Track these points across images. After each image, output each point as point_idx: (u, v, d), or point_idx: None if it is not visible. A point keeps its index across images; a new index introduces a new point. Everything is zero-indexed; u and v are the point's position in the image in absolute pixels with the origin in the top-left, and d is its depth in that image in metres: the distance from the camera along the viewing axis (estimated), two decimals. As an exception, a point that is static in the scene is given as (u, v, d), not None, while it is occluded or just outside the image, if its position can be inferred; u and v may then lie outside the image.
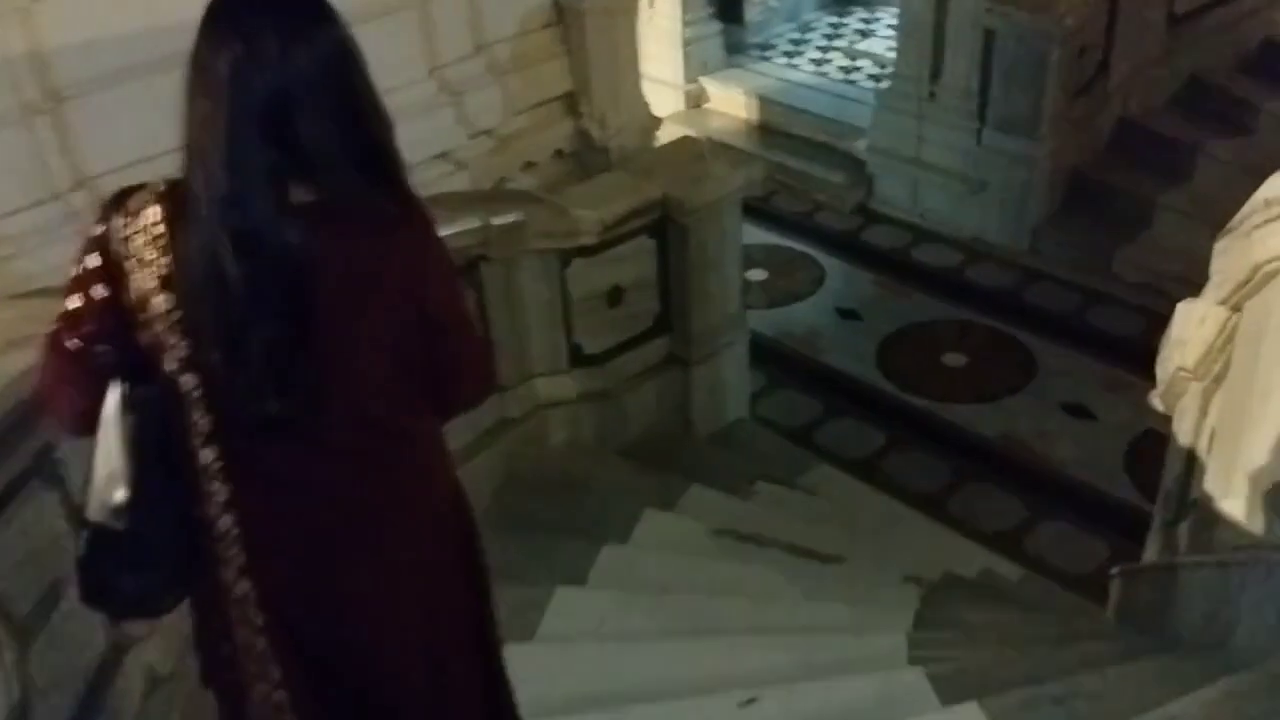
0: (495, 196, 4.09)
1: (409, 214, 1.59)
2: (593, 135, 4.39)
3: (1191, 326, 2.44)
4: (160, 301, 1.48)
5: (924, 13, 6.21)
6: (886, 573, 3.60)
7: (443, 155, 4.00)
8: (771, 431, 5.05)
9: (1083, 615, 3.50)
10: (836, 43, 8.26)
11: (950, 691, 2.52)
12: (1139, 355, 5.36)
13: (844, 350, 5.68)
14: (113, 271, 1.50)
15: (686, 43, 7.55)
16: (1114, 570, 3.17)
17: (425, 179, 3.99)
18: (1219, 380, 2.40)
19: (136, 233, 1.48)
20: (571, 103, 4.39)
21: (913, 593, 3.34)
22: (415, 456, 1.69)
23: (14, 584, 1.87)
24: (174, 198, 1.49)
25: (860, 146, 6.81)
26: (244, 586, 1.59)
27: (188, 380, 1.51)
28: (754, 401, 4.99)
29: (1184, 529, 2.69)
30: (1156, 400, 2.95)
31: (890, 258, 6.34)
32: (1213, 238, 5.72)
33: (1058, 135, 6.04)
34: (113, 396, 1.51)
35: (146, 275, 1.48)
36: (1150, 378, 5.20)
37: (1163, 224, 5.96)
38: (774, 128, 7.35)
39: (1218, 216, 5.84)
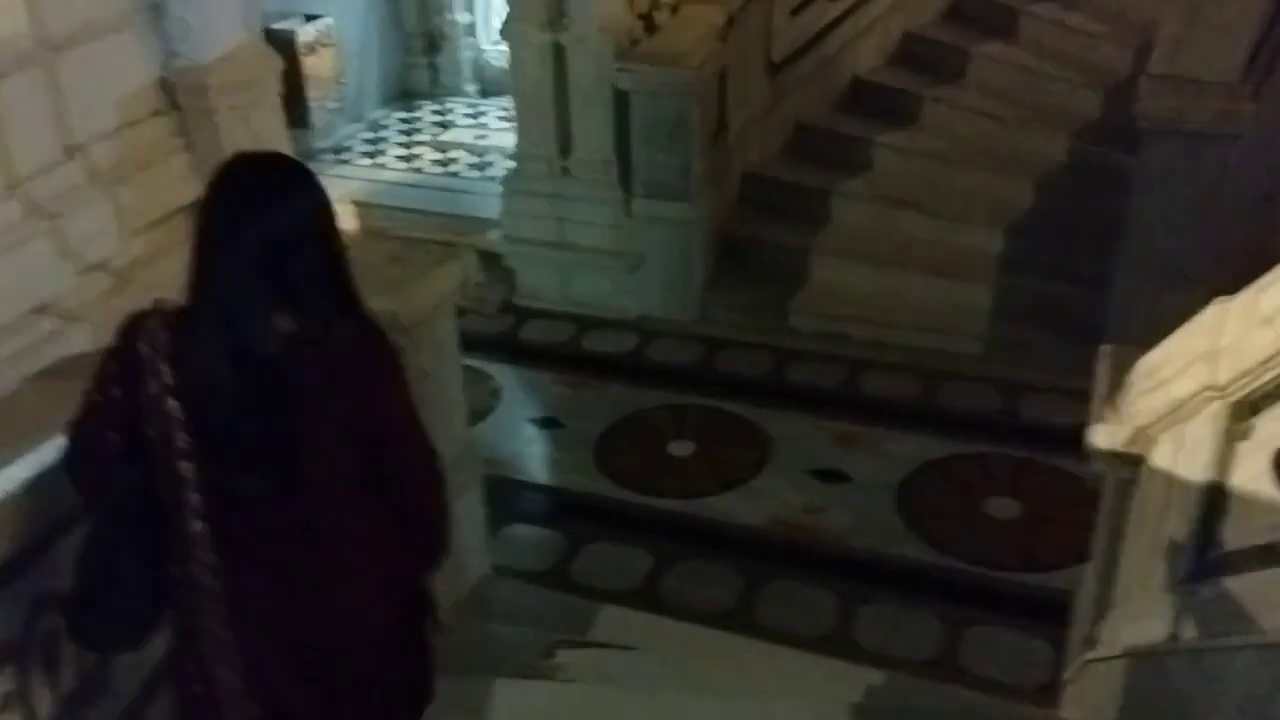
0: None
1: (370, 341, 1.92)
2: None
3: (1230, 332, 1.97)
4: (170, 404, 1.78)
5: (540, 82, 5.66)
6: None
7: (43, 308, 2.65)
8: (522, 582, 4.09)
9: None
10: (417, 137, 7.52)
11: None
12: (853, 403, 5.19)
13: (559, 465, 4.87)
14: (129, 378, 1.80)
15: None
16: (1087, 657, 2.64)
17: (22, 346, 2.63)
18: (1277, 395, 1.94)
19: (151, 348, 1.78)
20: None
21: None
22: (369, 537, 1.94)
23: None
24: (180, 321, 1.80)
25: (493, 239, 6.07)
26: (227, 634, 1.86)
27: (185, 467, 1.80)
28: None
29: (1206, 592, 2.20)
30: (1104, 439, 2.46)
31: (561, 353, 5.64)
32: (869, 273, 5.87)
33: (706, 195, 5.73)
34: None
35: (156, 383, 1.78)
36: (872, 422, 5.14)
37: (820, 269, 5.85)
38: (381, 233, 6.38)
39: (868, 250, 6.04)
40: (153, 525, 1.84)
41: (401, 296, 3.24)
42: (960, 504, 4.45)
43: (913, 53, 6.69)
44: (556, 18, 5.55)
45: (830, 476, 4.65)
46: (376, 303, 3.32)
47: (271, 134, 3.27)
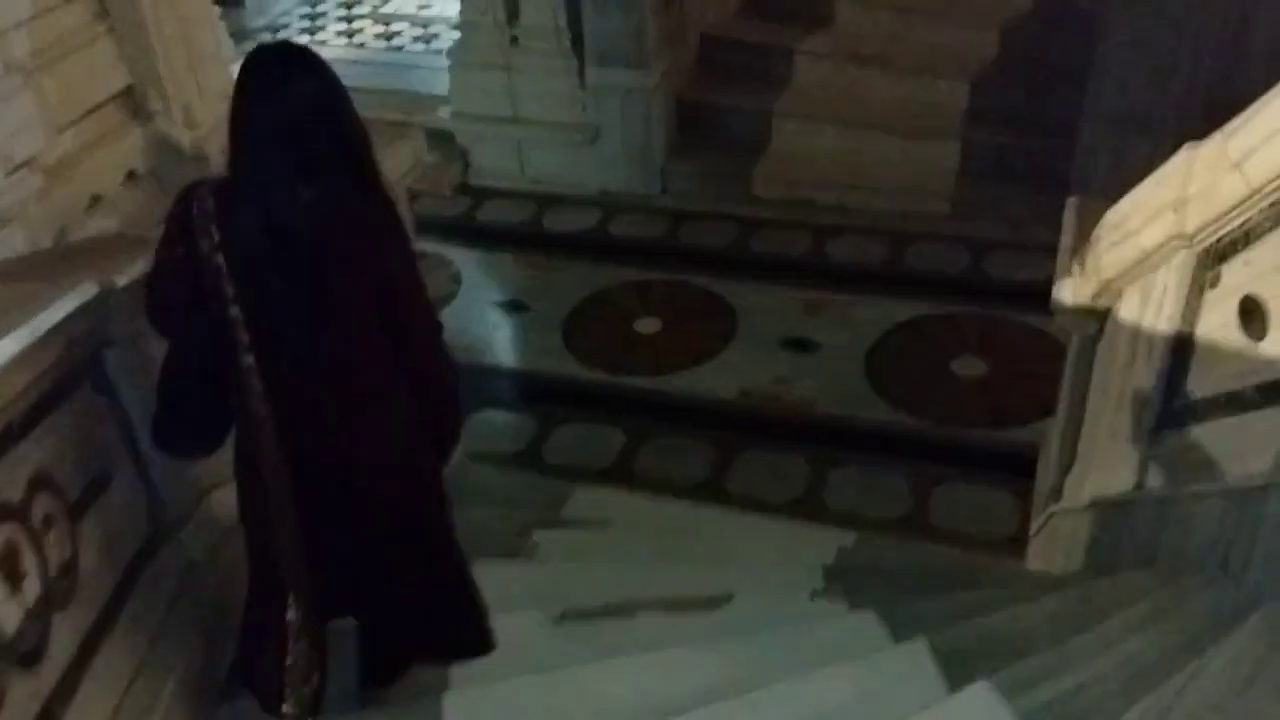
0: (85, 249, 2.70)
1: (379, 210, 2.20)
2: (179, 141, 3.08)
3: (1198, 179, 1.91)
4: (218, 259, 2.09)
5: (483, -52, 5.40)
6: (788, 595, 2.85)
7: (-26, 211, 2.53)
8: (495, 466, 4.08)
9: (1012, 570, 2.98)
10: (358, 10, 7.21)
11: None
12: (820, 270, 5.14)
13: (527, 348, 4.82)
14: (187, 237, 2.11)
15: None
16: (1053, 509, 2.66)
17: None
18: (1244, 242, 1.90)
19: (201, 213, 2.09)
20: (134, 101, 3.05)
21: (842, 605, 2.63)
22: (385, 379, 2.25)
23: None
24: (222, 190, 2.13)
25: (443, 116, 5.87)
26: (277, 452, 2.21)
27: (234, 310, 2.11)
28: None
29: (1173, 442, 2.20)
30: (1070, 293, 2.43)
31: (522, 233, 5.53)
32: (833, 135, 5.74)
33: (662, 60, 5.54)
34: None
35: (207, 242, 2.09)
36: (839, 289, 5.09)
37: (782, 134, 5.72)
38: (330, 116, 6.16)
39: (830, 113, 5.91)
40: (217, 359, 2.16)
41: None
42: (928, 365, 4.45)
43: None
44: (497, -121, 5.27)
45: (799, 345, 4.63)
46: None
47: (198, 12, 3.08)
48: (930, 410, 4.24)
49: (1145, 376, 2.27)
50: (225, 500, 2.55)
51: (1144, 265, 2.17)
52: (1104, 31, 4.74)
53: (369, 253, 2.15)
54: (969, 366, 4.43)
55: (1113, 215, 2.22)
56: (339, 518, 2.29)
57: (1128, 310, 2.30)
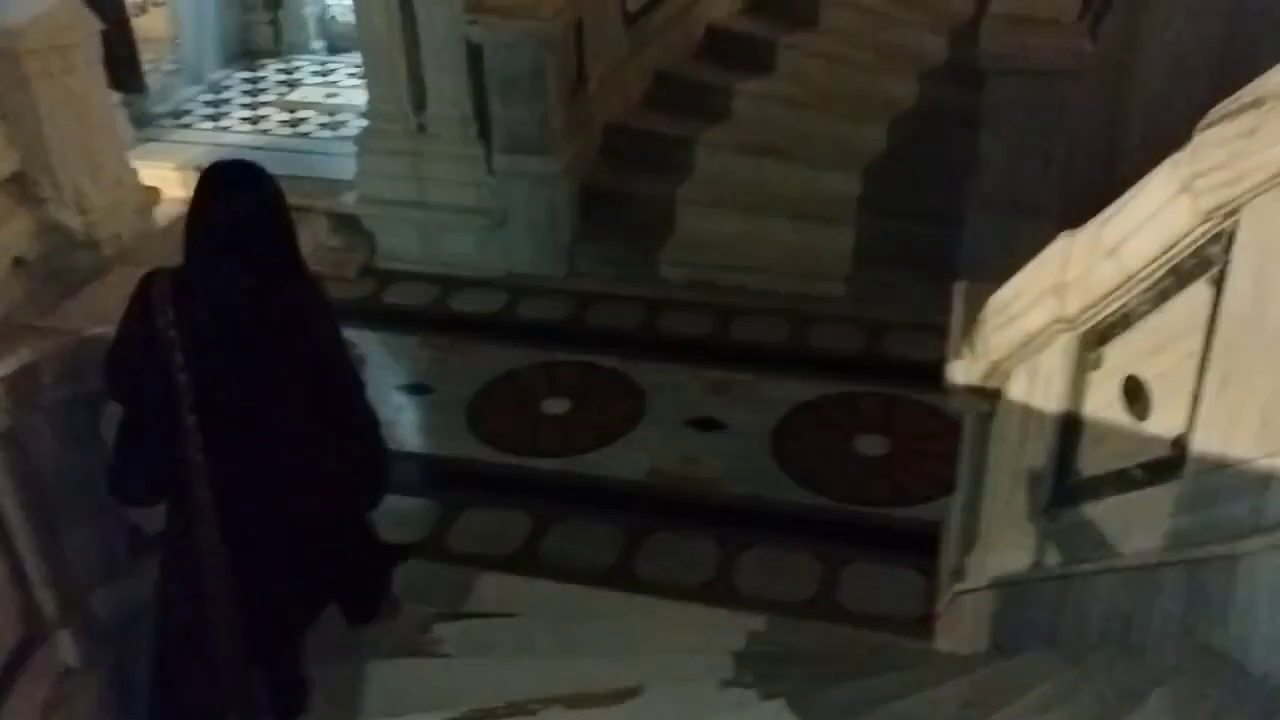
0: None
1: (307, 294, 2.65)
2: (69, 227, 3.02)
3: (1076, 265, 2.00)
4: (170, 335, 2.50)
5: (389, 37, 5.46)
6: (698, 685, 2.81)
7: None
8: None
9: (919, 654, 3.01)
10: (263, 97, 7.19)
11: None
12: (726, 351, 5.22)
13: (430, 431, 4.78)
14: (145, 314, 2.52)
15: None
16: (958, 589, 2.70)
17: None
18: (1123, 324, 2.00)
19: (160, 295, 2.51)
20: (24, 186, 2.97)
21: (754, 694, 2.61)
22: (312, 437, 2.66)
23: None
24: (177, 276, 2.54)
25: (349, 201, 5.86)
26: (207, 496, 2.56)
27: (182, 377, 2.50)
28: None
29: (1067, 519, 2.27)
30: (961, 374, 2.51)
31: (428, 316, 5.51)
32: (735, 220, 5.89)
33: (568, 147, 5.64)
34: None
35: (163, 319, 2.50)
36: (744, 369, 5.16)
37: (686, 219, 5.84)
38: (232, 200, 6.10)
39: (732, 198, 6.05)
40: (163, 417, 2.52)
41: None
42: (832, 444, 4.53)
43: (765, 1, 6.68)
44: (401, -34, 5.35)
45: (706, 425, 4.67)
46: None
47: (91, 98, 3.04)
48: (836, 489, 4.30)
49: (1037, 455, 2.34)
50: (106, 600, 2.46)
51: (1030, 347, 2.26)
52: (984, 122, 4.98)
53: (296, 328, 2.56)
54: (871, 445, 4.51)
55: (998, 299, 2.31)
56: (265, 555, 2.64)
57: (1017, 390, 2.38)
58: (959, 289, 2.84)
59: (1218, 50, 5.44)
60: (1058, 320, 2.13)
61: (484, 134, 5.56)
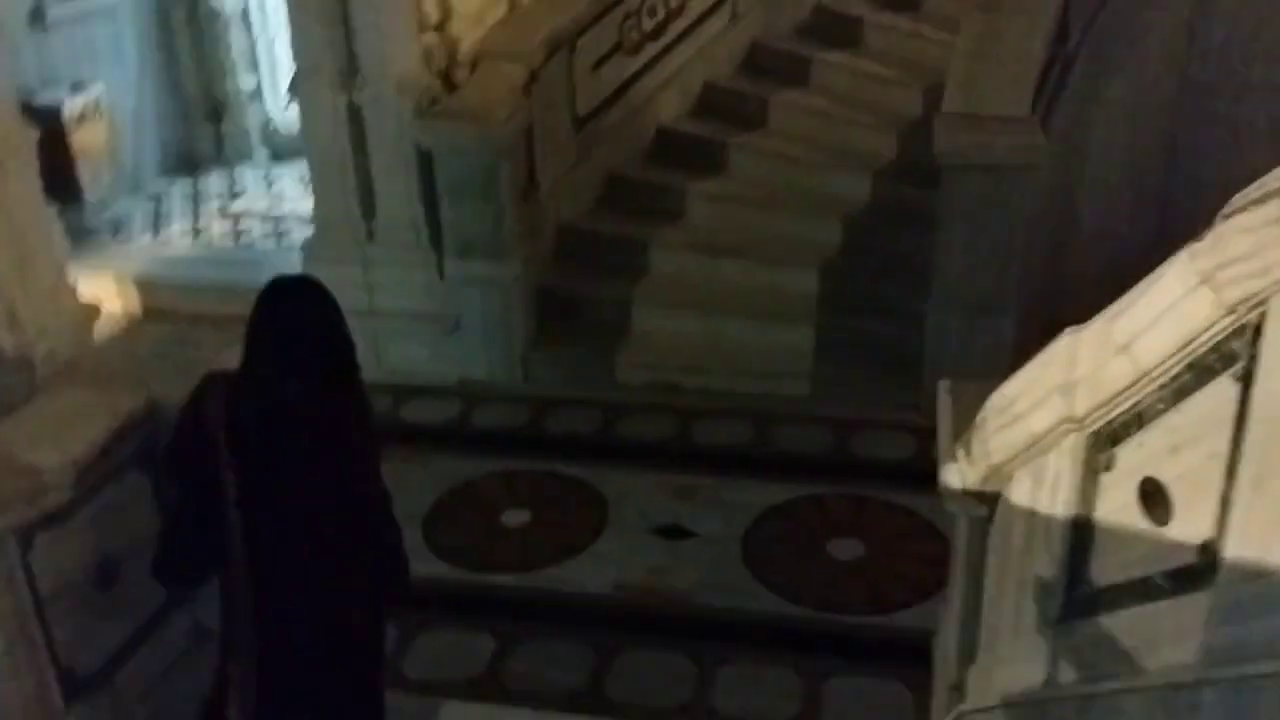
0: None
1: (348, 403, 2.84)
2: (1, 345, 2.83)
3: (1084, 362, 1.91)
4: (221, 435, 2.67)
5: (337, 144, 5.38)
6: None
7: None
8: (354, 685, 3.71)
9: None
10: (205, 207, 7.05)
11: None
12: (689, 455, 5.07)
13: (385, 549, 4.51)
14: (200, 414, 2.72)
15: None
16: (961, 710, 2.53)
17: None
18: (1137, 424, 1.89)
19: (214, 395, 2.71)
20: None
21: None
22: (342, 537, 2.82)
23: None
24: (231, 380, 2.75)
25: (295, 310, 5.68)
26: (247, 579, 2.73)
27: (229, 476, 2.67)
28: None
29: (1082, 632, 2.14)
30: (957, 478, 2.39)
31: (379, 426, 5.27)
32: (692, 321, 5.80)
33: (522, 251, 5.54)
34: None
35: (215, 420, 2.68)
36: (709, 473, 5.00)
37: (642, 320, 5.76)
38: (172, 312, 5.89)
39: (689, 299, 5.97)
40: (211, 510, 2.68)
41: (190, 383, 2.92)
42: (805, 549, 4.37)
43: (714, 102, 6.73)
44: (349, 76, 5.29)
45: (673, 533, 4.50)
46: (163, 391, 3.02)
47: (27, 209, 2.87)
48: (812, 596, 4.13)
49: (1045, 563, 2.22)
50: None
51: (1034, 449, 2.15)
52: (941, 219, 4.98)
53: (334, 437, 2.73)
54: (845, 549, 4.36)
55: (999, 399, 2.21)
56: (293, 632, 2.79)
57: (1020, 494, 2.26)
58: (945, 388, 2.75)
59: (1165, 142, 5.55)
60: (1065, 420, 2.02)
61: (435, 240, 5.46)
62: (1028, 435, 2.12)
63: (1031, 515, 2.22)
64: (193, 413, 2.72)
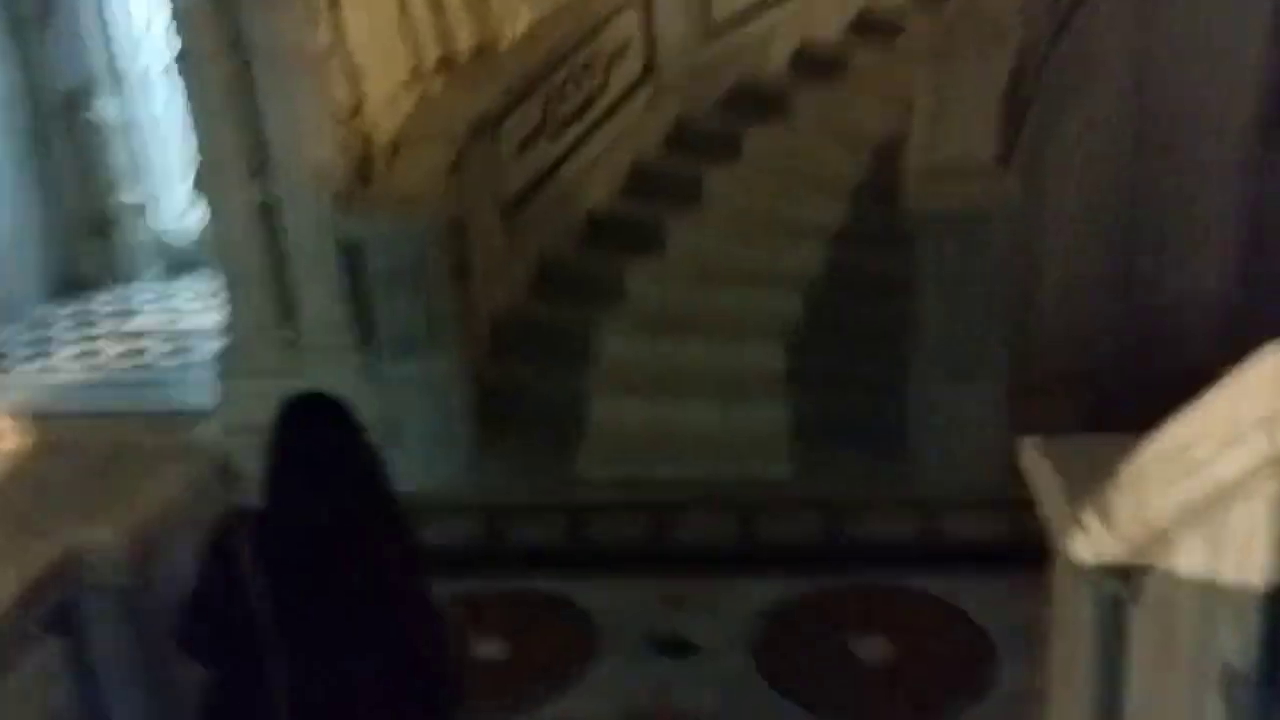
0: None
1: (381, 527, 2.56)
2: None
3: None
4: (248, 576, 2.42)
5: (249, 246, 4.87)
6: None
7: None
8: None
9: None
10: (96, 330, 6.39)
11: None
12: (672, 555, 4.55)
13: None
14: (225, 556, 2.46)
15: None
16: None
17: None
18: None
19: (238, 537, 2.46)
20: None
21: None
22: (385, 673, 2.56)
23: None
24: (256, 518, 2.49)
25: (209, 431, 5.06)
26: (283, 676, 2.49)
27: (261, 612, 2.42)
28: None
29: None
30: (1091, 550, 1.96)
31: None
32: (653, 407, 5.32)
33: (457, 344, 5.05)
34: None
35: (241, 561, 2.45)
36: (698, 574, 4.48)
37: (598, 411, 5.27)
38: (72, 445, 5.21)
39: (647, 383, 5.52)
40: (244, 648, 2.47)
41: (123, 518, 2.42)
42: (824, 653, 3.88)
43: (645, 181, 6.39)
44: (258, 171, 4.81)
45: (673, 648, 3.96)
46: (79, 538, 2.46)
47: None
48: (842, 706, 3.63)
49: (1232, 646, 1.78)
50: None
51: (1216, 505, 1.72)
52: (917, 281, 4.66)
53: (366, 564, 2.48)
54: (870, 648, 3.89)
55: (1164, 446, 1.79)
56: None
57: (1189, 563, 1.83)
58: (1032, 447, 2.33)
59: (1127, 195, 5.37)
60: (1270, 462, 1.61)
61: (364, 339, 4.93)
62: (1213, 485, 1.70)
63: (1210, 585, 1.79)
64: (217, 553, 2.46)
